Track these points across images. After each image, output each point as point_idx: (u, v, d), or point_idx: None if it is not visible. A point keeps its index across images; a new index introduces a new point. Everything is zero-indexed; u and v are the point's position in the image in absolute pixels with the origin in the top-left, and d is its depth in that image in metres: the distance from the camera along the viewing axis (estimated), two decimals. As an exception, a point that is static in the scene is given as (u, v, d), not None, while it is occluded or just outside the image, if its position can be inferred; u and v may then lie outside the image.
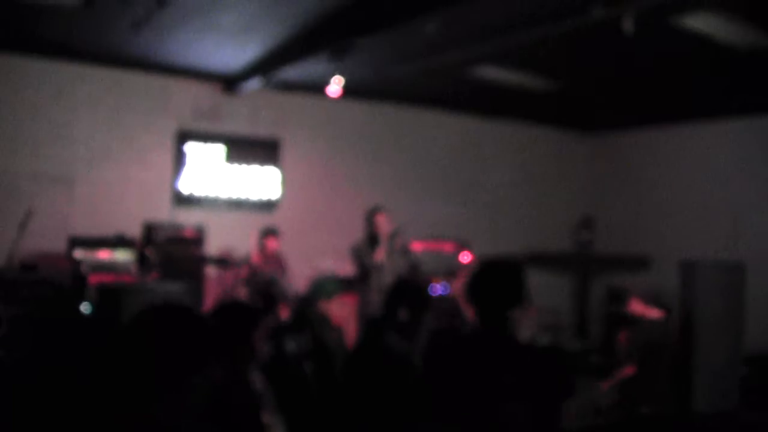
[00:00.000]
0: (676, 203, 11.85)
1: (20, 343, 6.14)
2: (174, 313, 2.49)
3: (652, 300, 11.52)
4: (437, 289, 10.37)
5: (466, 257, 10.79)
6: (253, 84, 9.81)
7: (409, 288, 4.95)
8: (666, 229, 11.85)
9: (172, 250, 9.13)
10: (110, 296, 5.62)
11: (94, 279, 8.15)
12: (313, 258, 9.80)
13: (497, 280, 3.66)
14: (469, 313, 8.20)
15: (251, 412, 3.78)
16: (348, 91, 9.68)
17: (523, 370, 3.42)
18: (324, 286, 5.89)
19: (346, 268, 8.85)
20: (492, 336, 3.58)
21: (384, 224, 8.51)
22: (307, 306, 5.80)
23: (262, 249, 9.56)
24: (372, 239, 8.48)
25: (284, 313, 7.86)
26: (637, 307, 7.02)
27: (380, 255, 8.40)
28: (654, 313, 7.02)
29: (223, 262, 9.56)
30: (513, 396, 3.39)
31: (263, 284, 8.72)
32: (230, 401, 3.46)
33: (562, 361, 3.90)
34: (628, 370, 7.01)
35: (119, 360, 2.39)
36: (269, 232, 9.62)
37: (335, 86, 9.36)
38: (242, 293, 9.00)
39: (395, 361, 4.55)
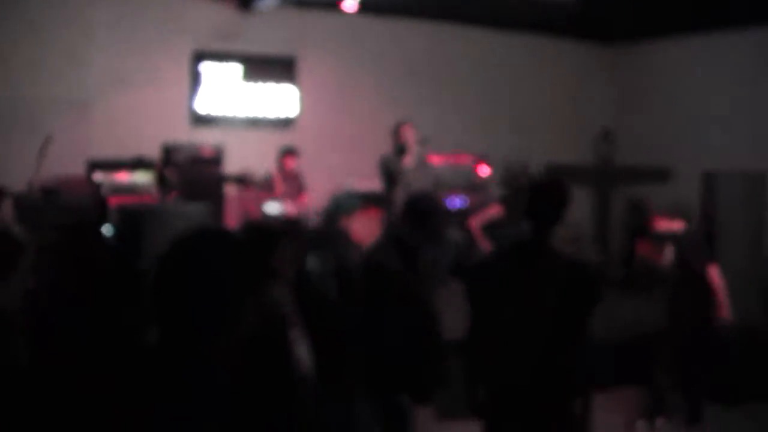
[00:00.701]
0: (698, 114, 11.70)
1: (45, 269, 6.17)
2: (215, 238, 2.38)
3: (675, 211, 11.51)
4: (455, 202, 10.37)
5: (483, 170, 10.76)
6: (269, 1, 9.68)
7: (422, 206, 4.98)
8: (687, 140, 11.72)
9: (191, 171, 9.13)
10: (131, 218, 5.63)
11: (114, 201, 8.20)
12: (332, 176, 9.78)
13: (552, 198, 4.19)
14: (484, 245, 8.26)
15: (278, 331, 3.80)
16: (365, 6, 9.55)
17: (564, 277, 4.00)
18: (343, 203, 5.87)
19: (369, 184, 8.85)
20: (538, 247, 4.13)
21: (410, 135, 8.53)
22: (329, 224, 5.80)
23: (281, 168, 9.55)
24: (399, 150, 8.48)
25: None
26: (662, 223, 6.96)
27: (409, 161, 8.41)
28: (677, 224, 6.98)
29: (243, 180, 9.56)
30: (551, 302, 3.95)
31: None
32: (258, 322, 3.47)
33: (592, 272, 4.54)
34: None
35: (164, 292, 2.27)
36: (288, 151, 9.59)
37: (351, 1, 9.22)
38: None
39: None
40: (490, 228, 8.49)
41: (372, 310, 4.80)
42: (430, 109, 11.40)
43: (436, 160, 10.19)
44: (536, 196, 4.25)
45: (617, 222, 12.37)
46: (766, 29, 10.78)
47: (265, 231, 4.17)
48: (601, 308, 4.10)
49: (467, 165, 10.47)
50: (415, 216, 4.91)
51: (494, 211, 8.68)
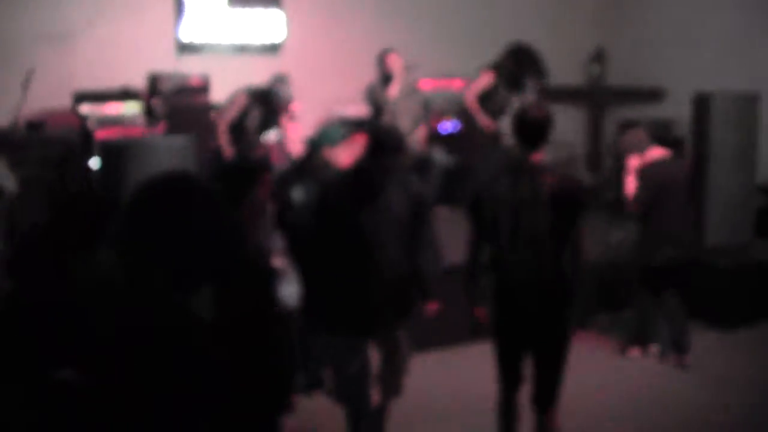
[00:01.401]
0: (691, 33, 11.52)
1: (33, 204, 6.14)
2: (181, 188, 2.29)
3: (663, 135, 11.43)
4: (448, 127, 10.30)
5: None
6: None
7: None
8: (680, 60, 11.57)
9: (178, 100, 9.03)
10: (114, 153, 5.54)
11: (101, 134, 8.12)
12: (321, 103, 9.66)
13: (540, 123, 4.60)
14: (483, 122, 8.21)
15: (261, 266, 3.77)
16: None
17: (553, 189, 4.49)
18: (328, 134, 5.82)
19: (359, 110, 8.77)
20: (529, 166, 4.58)
21: (396, 63, 8.42)
22: (311, 153, 5.74)
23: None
24: (385, 79, 8.37)
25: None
26: (634, 162, 6.85)
27: (394, 91, 8.31)
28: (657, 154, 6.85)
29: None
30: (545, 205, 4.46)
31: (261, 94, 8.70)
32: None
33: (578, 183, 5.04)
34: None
35: (130, 243, 2.21)
36: (278, 80, 9.44)
37: None
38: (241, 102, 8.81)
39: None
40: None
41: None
42: (420, 33, 11.22)
43: (426, 86, 10.09)
44: (522, 121, 4.63)
45: (610, 143, 12.30)
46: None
47: (242, 169, 4.12)
48: (592, 231, 4.27)
49: (459, 89, 10.34)
50: (372, 150, 4.87)
51: (485, 80, 8.61)
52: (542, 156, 4.60)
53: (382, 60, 8.44)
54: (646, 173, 6.71)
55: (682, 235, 6.85)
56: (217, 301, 3.16)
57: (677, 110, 11.16)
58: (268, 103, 8.65)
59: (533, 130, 4.57)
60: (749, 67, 10.50)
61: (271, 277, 3.74)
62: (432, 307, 5.13)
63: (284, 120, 9.04)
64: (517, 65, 8.72)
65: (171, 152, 5.34)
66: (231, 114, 8.57)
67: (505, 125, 8.43)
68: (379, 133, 5.10)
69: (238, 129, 8.52)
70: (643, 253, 6.92)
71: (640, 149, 6.81)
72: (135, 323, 2.14)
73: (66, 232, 4.72)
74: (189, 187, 2.31)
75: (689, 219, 7.06)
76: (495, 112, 8.64)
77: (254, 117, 8.61)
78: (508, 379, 4.82)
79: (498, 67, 8.60)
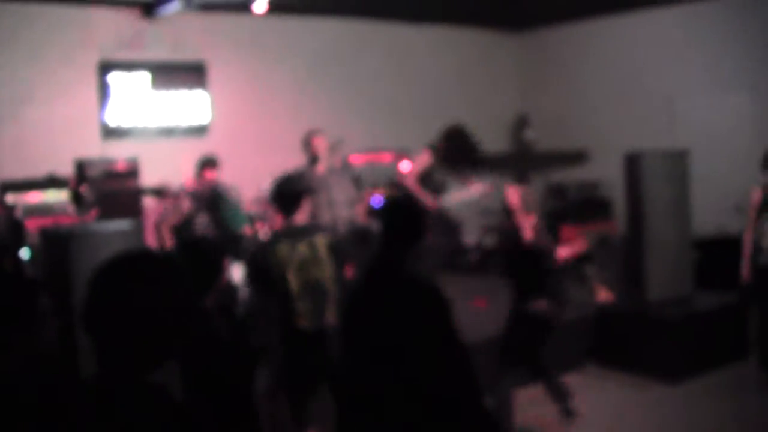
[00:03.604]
0: (610, 95, 11.86)
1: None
2: (148, 263, 2.32)
3: (591, 195, 11.61)
4: (378, 200, 10.28)
5: (405, 166, 10.68)
6: (174, 6, 9.43)
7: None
8: (602, 121, 11.87)
9: (107, 186, 8.83)
10: (56, 241, 5.35)
11: (30, 224, 7.87)
12: (253, 180, 9.57)
13: (406, 216, 3.90)
14: (426, 201, 8.18)
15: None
16: (273, 6, 9.38)
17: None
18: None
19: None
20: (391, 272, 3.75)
21: (322, 145, 8.38)
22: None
23: (201, 180, 9.29)
24: (313, 160, 8.34)
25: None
26: (564, 252, 6.82)
27: (321, 169, 8.27)
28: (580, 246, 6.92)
29: (160, 192, 9.27)
30: None
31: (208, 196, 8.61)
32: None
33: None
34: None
35: (97, 323, 2.20)
36: (207, 163, 9.26)
37: (261, 2, 9.05)
38: (185, 207, 8.70)
39: None
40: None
41: None
42: (344, 108, 11.29)
43: (357, 160, 10.09)
44: (388, 214, 3.92)
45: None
46: (670, 10, 10.99)
47: (203, 250, 4.04)
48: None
49: (389, 162, 10.37)
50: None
51: (423, 160, 8.61)
52: None
53: (308, 142, 8.43)
54: None
55: None
56: (186, 379, 3.05)
57: (602, 170, 11.42)
58: (213, 208, 8.56)
59: (400, 225, 3.82)
60: (673, 125, 10.82)
61: (249, 356, 3.65)
62: None
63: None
64: (452, 148, 8.77)
65: (118, 238, 5.18)
66: (175, 219, 8.43)
67: (446, 202, 8.53)
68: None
69: (183, 233, 8.35)
70: None
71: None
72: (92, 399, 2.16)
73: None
74: (150, 264, 2.31)
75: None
76: (435, 191, 8.68)
77: (201, 223, 8.50)
78: None
79: (434, 149, 8.64)
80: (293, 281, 5.27)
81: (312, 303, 5.32)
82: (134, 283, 2.21)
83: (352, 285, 4.65)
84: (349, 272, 5.72)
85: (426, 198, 8.30)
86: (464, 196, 9.00)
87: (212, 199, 8.63)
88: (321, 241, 5.45)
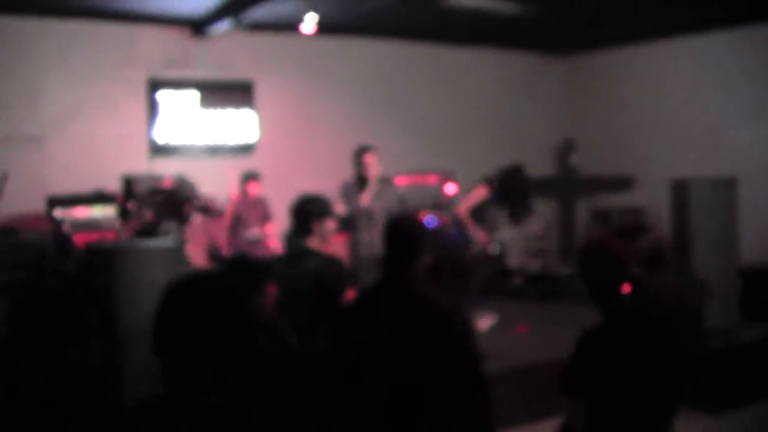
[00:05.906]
0: (656, 121, 11.76)
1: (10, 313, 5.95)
2: (215, 283, 2.36)
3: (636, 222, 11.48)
4: (426, 222, 10.24)
5: (450, 188, 10.64)
6: (223, 26, 9.53)
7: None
8: (648, 147, 11.77)
9: (154, 202, 8.90)
10: (102, 257, 5.41)
11: (77, 239, 7.95)
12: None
13: (408, 235, 3.84)
14: (477, 235, 8.08)
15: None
16: (321, 27, 9.43)
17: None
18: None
19: (337, 208, 8.67)
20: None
21: (373, 164, 8.07)
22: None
23: (244, 194, 9.36)
24: (361, 181, 8.10)
25: None
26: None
27: (366, 199, 8.02)
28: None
29: (206, 210, 9.33)
30: None
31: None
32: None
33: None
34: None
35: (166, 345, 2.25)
36: (250, 177, 9.39)
37: (310, 23, 9.10)
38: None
39: None
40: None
41: None
42: (391, 129, 11.30)
43: (401, 181, 10.06)
44: (392, 233, 3.83)
45: (583, 233, 12.36)
46: (717, 36, 10.88)
47: (252, 267, 4.08)
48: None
49: (434, 184, 10.34)
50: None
51: (479, 193, 8.46)
52: None
53: (359, 159, 8.12)
54: None
55: None
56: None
57: (648, 197, 11.29)
58: (177, 213, 8.52)
59: (403, 244, 3.79)
60: (721, 153, 10.68)
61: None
62: None
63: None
64: (507, 188, 8.60)
65: (162, 254, 5.22)
66: (136, 225, 8.39)
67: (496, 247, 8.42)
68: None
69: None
70: None
71: None
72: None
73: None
74: (217, 284, 2.35)
75: None
76: (488, 227, 8.50)
77: (165, 230, 8.48)
78: None
79: (490, 184, 8.47)
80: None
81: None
82: (206, 304, 2.25)
83: (348, 305, 4.52)
84: (351, 296, 5.31)
85: (477, 233, 8.19)
86: (515, 235, 8.91)
87: (170, 205, 8.50)
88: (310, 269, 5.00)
